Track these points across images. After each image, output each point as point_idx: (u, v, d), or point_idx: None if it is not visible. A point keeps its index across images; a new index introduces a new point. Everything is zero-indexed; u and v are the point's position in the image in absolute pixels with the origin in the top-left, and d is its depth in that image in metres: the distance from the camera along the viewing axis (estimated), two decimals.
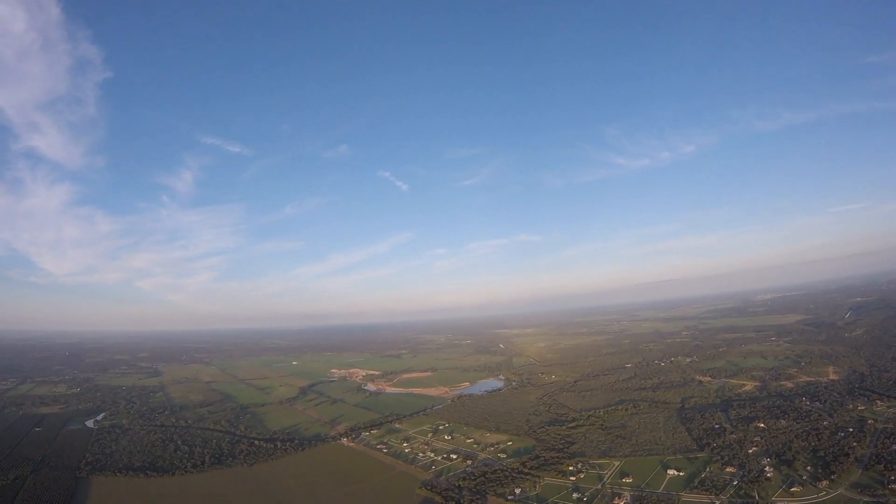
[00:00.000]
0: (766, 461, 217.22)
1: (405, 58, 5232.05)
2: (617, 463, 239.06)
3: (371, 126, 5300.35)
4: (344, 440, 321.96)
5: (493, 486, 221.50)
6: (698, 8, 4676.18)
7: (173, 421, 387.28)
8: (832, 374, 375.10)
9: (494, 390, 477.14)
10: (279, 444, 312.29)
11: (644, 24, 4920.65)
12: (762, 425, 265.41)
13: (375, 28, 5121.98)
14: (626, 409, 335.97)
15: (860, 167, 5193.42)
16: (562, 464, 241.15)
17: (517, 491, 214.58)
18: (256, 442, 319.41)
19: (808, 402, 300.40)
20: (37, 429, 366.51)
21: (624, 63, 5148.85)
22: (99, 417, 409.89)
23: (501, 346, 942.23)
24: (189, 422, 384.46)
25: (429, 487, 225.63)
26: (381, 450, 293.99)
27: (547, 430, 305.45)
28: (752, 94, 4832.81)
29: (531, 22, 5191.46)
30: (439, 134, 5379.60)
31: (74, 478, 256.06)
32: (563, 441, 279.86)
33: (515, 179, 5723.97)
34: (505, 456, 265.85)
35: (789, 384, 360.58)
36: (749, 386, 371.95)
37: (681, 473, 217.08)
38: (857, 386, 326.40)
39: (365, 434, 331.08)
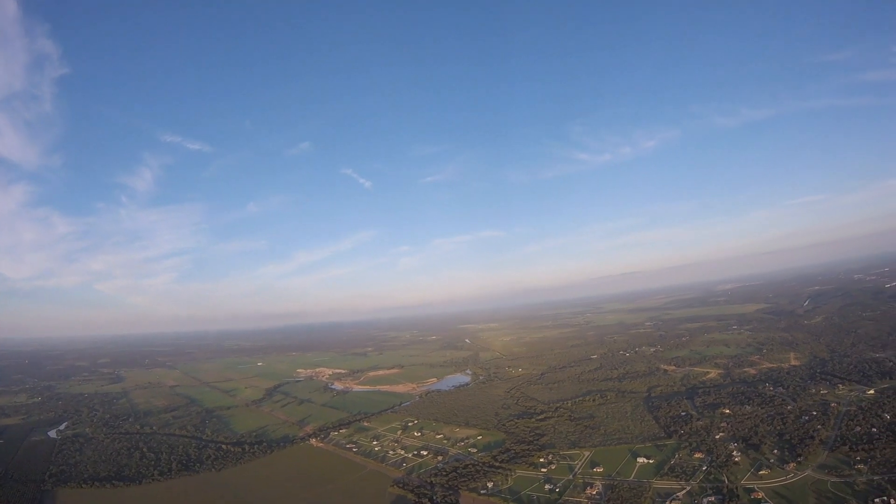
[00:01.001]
0: (733, 446, 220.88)
1: (368, 55, 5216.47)
2: (587, 453, 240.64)
3: (334, 123, 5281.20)
4: (313, 441, 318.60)
5: (465, 480, 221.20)
6: (659, 7, 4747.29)
7: (138, 428, 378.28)
8: (794, 360, 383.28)
9: (462, 385, 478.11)
10: (247, 447, 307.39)
11: (606, 23, 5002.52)
12: (728, 411, 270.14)
13: (337, 25, 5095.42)
14: (594, 400, 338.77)
15: (817, 161, 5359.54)
16: (532, 456, 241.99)
17: (489, 485, 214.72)
18: (224, 446, 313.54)
19: (771, 388, 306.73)
20: None
21: (587, 61, 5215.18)
22: (62, 427, 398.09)
23: (468, 341, 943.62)
24: (154, 428, 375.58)
25: (401, 485, 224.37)
26: (350, 449, 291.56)
27: (516, 423, 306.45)
28: (712, 90, 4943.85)
29: (495, 20, 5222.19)
30: (403, 131, 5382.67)
31: (40, 490, 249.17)
32: (532, 433, 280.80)
33: (480, 176, 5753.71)
34: (475, 450, 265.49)
35: (752, 371, 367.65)
36: (713, 373, 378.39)
37: (650, 461, 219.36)
38: (818, 371, 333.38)
39: (334, 434, 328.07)
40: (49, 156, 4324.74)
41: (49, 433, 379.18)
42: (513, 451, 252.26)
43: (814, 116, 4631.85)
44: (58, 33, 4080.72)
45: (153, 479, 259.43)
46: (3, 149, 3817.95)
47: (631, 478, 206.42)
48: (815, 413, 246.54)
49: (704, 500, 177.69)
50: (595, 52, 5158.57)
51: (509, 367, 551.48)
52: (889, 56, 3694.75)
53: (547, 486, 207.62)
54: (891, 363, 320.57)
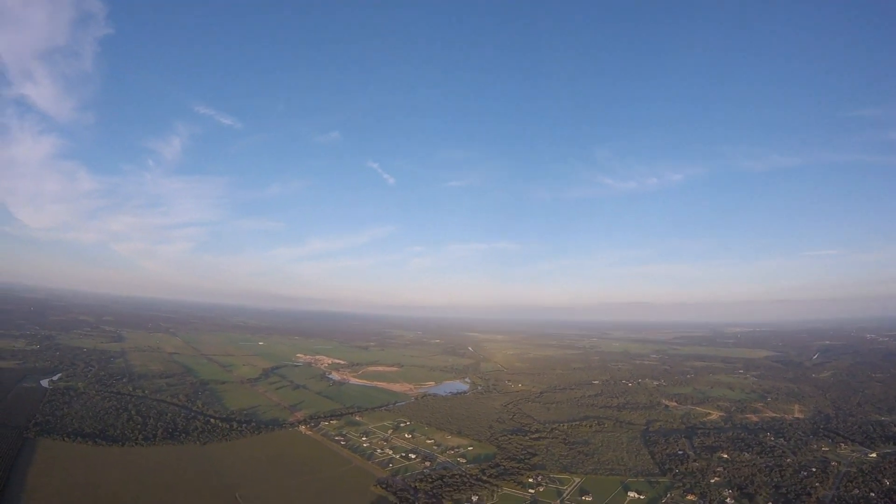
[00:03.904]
0: (727, 492, 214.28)
1: (407, 54, 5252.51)
2: (577, 479, 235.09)
3: (365, 116, 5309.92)
4: (302, 428, 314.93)
5: (449, 490, 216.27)
6: (699, 43, 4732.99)
7: (130, 389, 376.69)
8: (798, 413, 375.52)
9: (459, 392, 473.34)
10: (235, 424, 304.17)
11: (644, 52, 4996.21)
12: (726, 456, 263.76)
13: (381, 21, 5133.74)
14: (591, 426, 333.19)
15: (838, 215, 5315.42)
16: (522, 475, 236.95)
17: (474, 499, 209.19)
18: (212, 420, 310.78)
19: (772, 438, 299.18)
20: None
21: (621, 87, 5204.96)
22: (55, 377, 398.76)
23: (470, 349, 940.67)
24: (146, 392, 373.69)
25: (384, 486, 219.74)
26: (339, 441, 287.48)
27: (509, 438, 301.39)
28: (743, 132, 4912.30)
29: (535, 35, 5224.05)
30: (432, 132, 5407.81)
31: (21, 438, 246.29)
32: (524, 451, 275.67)
33: (502, 187, 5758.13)
34: (464, 461, 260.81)
35: (754, 418, 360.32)
36: (714, 415, 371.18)
37: (641, 496, 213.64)
38: (822, 427, 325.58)
39: (324, 424, 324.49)
40: (83, 112, 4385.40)
41: (42, 382, 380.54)
42: (502, 467, 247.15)
43: (840, 170, 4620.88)
44: None
45: (136, 443, 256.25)
46: (39, 100, 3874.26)
47: None
48: (814, 469, 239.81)
49: None
50: (631, 80, 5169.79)
51: (509, 380, 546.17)
52: None
53: None
54: None
